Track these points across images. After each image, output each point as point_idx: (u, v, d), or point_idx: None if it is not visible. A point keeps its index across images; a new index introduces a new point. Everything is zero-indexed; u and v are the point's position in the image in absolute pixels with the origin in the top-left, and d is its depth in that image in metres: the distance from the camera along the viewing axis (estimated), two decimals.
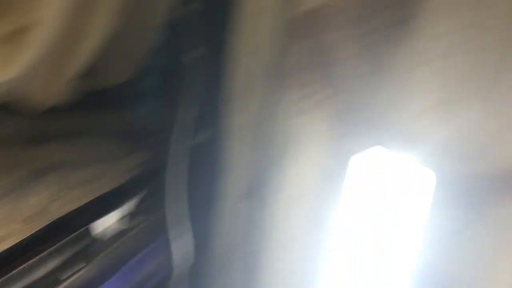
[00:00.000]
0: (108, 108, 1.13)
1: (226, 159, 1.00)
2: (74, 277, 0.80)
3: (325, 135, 0.79)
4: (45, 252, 0.77)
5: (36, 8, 0.82)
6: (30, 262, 0.74)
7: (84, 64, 0.95)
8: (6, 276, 0.71)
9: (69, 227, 0.82)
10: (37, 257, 0.75)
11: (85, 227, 0.85)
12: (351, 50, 0.73)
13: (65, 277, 0.79)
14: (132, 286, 0.96)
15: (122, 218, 0.95)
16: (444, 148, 0.68)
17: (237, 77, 0.92)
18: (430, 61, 0.69)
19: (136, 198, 1.00)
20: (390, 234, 0.71)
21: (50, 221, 0.78)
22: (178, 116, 0.93)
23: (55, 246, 0.78)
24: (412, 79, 0.70)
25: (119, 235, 0.93)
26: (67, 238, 0.81)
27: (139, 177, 1.01)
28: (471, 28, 0.64)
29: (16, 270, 0.72)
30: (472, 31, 0.64)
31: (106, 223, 0.90)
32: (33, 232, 0.74)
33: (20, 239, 0.72)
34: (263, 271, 0.96)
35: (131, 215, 0.98)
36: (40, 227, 0.76)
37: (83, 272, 0.81)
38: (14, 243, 0.71)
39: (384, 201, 0.71)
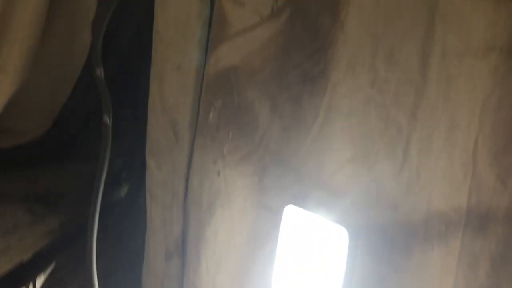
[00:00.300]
0: (16, 169, 1.06)
1: (148, 216, 0.96)
2: None
3: (251, 190, 0.79)
4: None
5: None
6: None
7: None
8: None
9: None
10: None
11: None
12: (265, 107, 0.74)
13: None
14: None
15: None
16: (362, 200, 0.69)
17: (152, 135, 0.90)
18: (345, 116, 0.70)
19: (54, 265, 0.93)
20: None
21: None
22: (97, 174, 0.89)
23: None
24: (329, 134, 0.72)
25: None
26: None
27: (55, 243, 0.95)
28: (384, 83, 0.67)
29: None
30: (385, 86, 0.67)
31: None
32: None
33: None
34: None
35: (51, 284, 0.91)
36: None
37: None
38: None
39: (304, 259, 0.71)
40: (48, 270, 0.89)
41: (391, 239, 0.68)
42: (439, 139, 0.63)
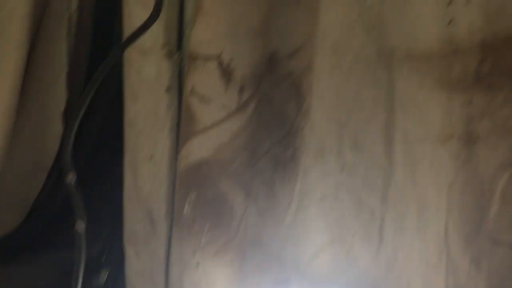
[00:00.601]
0: None
1: None
2: None
3: (231, 279, 0.78)
4: None
5: None
6: None
7: None
8: None
9: None
10: None
11: None
12: (240, 195, 0.75)
13: None
14: None
15: None
16: (343, 284, 0.69)
17: (128, 224, 0.89)
18: (318, 201, 0.71)
19: None
20: None
21: None
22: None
23: None
24: (304, 218, 0.72)
25: None
26: None
27: None
28: (352, 168, 0.68)
29: None
30: (353, 171, 0.68)
31: None
32: None
33: None
34: None
35: None
36: None
37: None
38: None
39: None
40: None
41: None
42: (411, 221, 0.64)
